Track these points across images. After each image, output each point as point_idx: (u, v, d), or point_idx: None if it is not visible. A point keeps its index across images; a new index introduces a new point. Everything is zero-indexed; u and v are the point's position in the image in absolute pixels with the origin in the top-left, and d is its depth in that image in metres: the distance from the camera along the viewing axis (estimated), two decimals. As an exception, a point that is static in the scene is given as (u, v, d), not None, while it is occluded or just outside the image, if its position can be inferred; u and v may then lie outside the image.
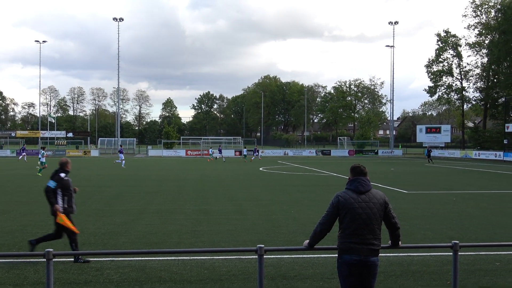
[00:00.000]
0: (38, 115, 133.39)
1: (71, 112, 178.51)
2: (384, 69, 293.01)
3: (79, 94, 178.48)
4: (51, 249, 5.98)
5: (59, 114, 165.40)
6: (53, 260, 6.02)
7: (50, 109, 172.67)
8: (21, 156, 61.07)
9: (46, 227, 14.37)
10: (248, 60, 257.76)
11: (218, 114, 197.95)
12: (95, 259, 10.53)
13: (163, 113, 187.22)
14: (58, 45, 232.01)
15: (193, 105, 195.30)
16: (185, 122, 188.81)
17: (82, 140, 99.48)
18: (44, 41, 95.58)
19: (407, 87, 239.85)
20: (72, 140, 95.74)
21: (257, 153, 65.99)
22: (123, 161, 48.13)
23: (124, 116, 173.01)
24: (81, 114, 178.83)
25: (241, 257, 10.77)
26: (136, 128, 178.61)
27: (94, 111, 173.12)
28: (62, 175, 10.69)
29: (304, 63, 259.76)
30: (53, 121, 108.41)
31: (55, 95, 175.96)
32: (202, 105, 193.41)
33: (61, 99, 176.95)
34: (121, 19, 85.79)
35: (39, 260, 10.08)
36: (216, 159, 64.49)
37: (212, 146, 73.89)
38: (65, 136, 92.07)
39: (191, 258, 10.70)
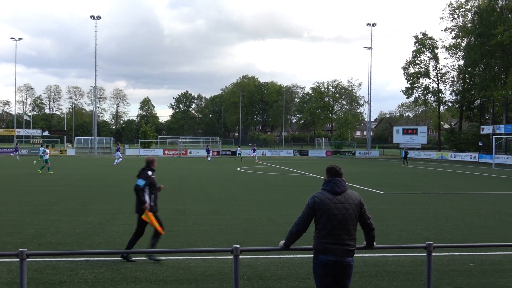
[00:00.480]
0: (13, 113, 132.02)
1: (47, 111, 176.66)
2: (363, 70, 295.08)
3: (56, 93, 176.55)
4: (24, 249, 5.91)
5: (35, 113, 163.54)
6: (27, 260, 5.95)
7: (26, 107, 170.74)
8: (13, 154, 59.64)
9: (20, 226, 14.23)
10: (227, 60, 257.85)
11: (196, 114, 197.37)
12: (70, 259, 10.43)
13: (141, 112, 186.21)
14: (36, 43, 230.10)
15: (171, 104, 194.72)
16: (162, 122, 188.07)
17: (58, 138, 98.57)
18: (20, 38, 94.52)
19: (384, 88, 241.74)
20: (48, 138, 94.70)
21: (254, 152, 67.64)
22: (119, 160, 48.92)
23: (101, 115, 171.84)
24: (58, 113, 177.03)
25: (217, 257, 10.75)
26: (113, 127, 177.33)
27: (70, 110, 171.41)
28: (150, 173, 10.77)
29: (283, 64, 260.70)
30: (29, 119, 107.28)
31: (31, 93, 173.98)
32: (180, 105, 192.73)
33: (37, 97, 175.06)
34: (99, 17, 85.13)
35: (13, 260, 9.96)
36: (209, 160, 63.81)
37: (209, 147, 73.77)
38: (41, 134, 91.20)
39: (167, 258, 10.67)
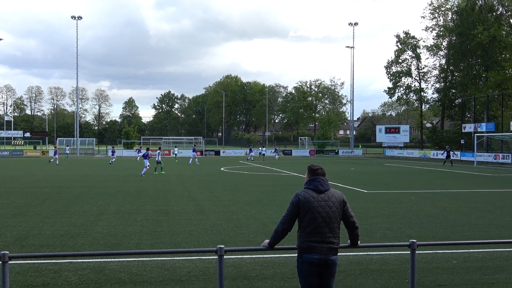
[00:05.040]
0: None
1: (28, 112, 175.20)
2: (348, 70, 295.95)
3: (37, 94, 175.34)
4: (6, 252, 5.85)
5: (16, 114, 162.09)
6: (9, 262, 5.89)
7: (6, 108, 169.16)
8: (53, 159, 57.36)
9: (2, 229, 14.09)
10: (212, 60, 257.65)
11: (179, 114, 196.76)
12: (53, 261, 10.36)
13: (124, 112, 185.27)
14: (20, 44, 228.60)
15: (154, 104, 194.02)
16: (145, 122, 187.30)
17: (40, 140, 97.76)
18: (0, 39, 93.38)
19: (368, 88, 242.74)
20: (29, 140, 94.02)
21: (264, 152, 69.33)
22: (195, 159, 52.92)
23: (83, 115, 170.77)
24: (39, 114, 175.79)
25: (202, 257, 10.74)
26: (96, 128, 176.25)
27: (52, 111, 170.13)
28: None
29: (269, 63, 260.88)
30: (11, 119, 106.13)
31: (12, 94, 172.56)
32: (163, 105, 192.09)
33: (18, 98, 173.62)
34: (80, 18, 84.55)
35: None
36: (252, 159, 66.13)
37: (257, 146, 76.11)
38: (22, 136, 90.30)
39: (151, 259, 10.62)
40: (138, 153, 59.19)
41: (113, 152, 58.62)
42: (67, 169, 43.03)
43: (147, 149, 39.11)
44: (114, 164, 52.57)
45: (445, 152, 55.28)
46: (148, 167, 37.00)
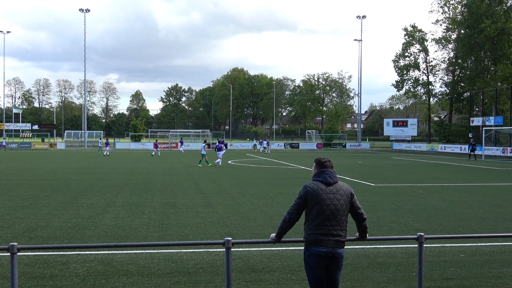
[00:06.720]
0: (2, 106, 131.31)
1: (36, 104, 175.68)
2: (356, 63, 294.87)
3: (45, 86, 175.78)
4: (15, 243, 5.87)
5: (24, 106, 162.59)
6: (18, 254, 5.91)
7: (15, 101, 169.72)
8: (106, 152, 57.31)
9: (11, 220, 14.15)
10: (220, 53, 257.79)
11: (186, 107, 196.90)
12: (61, 252, 10.40)
13: (131, 105, 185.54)
14: (31, 36, 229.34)
15: (161, 97, 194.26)
16: (153, 115, 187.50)
17: (48, 132, 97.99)
18: (8, 32, 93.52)
19: (376, 81, 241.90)
20: (37, 132, 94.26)
21: (266, 145, 67.43)
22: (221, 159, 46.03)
23: (91, 108, 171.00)
24: (47, 106, 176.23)
25: (209, 250, 10.75)
26: (103, 120, 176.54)
27: (60, 103, 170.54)
28: None
29: (278, 57, 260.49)
30: (19, 111, 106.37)
31: (20, 86, 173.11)
32: (170, 98, 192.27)
33: (26, 91, 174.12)
34: (88, 10, 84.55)
35: (3, 254, 9.91)
36: (260, 151, 65.76)
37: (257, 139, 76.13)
38: (30, 128, 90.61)
39: (159, 251, 10.65)
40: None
41: (156, 145, 58.46)
42: (73, 162, 43.11)
43: (218, 141, 39.46)
44: (119, 157, 52.70)
45: (470, 146, 54.73)
46: (221, 158, 38.39)
